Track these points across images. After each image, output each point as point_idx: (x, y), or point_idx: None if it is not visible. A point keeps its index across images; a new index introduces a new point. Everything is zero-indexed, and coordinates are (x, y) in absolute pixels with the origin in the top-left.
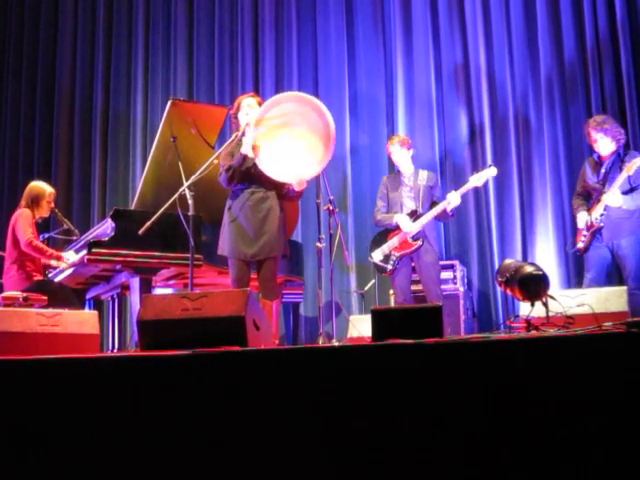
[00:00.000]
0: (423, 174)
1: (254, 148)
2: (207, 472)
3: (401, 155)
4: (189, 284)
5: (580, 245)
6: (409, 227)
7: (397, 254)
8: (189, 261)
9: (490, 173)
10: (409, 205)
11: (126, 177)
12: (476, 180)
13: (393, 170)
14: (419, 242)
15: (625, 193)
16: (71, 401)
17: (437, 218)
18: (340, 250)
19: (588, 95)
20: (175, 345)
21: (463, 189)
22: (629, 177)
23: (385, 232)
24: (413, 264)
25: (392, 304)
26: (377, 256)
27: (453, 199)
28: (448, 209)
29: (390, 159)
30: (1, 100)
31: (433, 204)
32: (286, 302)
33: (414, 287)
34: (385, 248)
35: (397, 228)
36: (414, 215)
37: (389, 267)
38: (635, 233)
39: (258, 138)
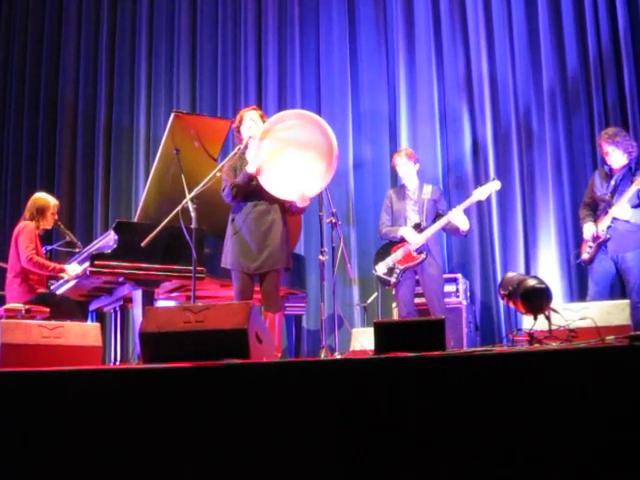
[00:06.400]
0: (427, 188)
1: (258, 171)
2: None
3: (407, 168)
4: (192, 297)
5: (585, 256)
6: (415, 238)
7: (401, 267)
8: (192, 274)
9: (493, 187)
10: (413, 218)
11: (129, 189)
12: (479, 194)
13: (397, 184)
14: (423, 255)
15: (635, 207)
16: (73, 413)
17: (449, 233)
18: (343, 263)
19: (591, 107)
20: (177, 358)
21: (466, 203)
22: (638, 191)
23: (389, 245)
24: (417, 277)
25: (395, 317)
26: (381, 269)
27: (454, 216)
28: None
29: (394, 173)
30: (4, 112)
31: (438, 216)
32: (288, 315)
33: (418, 300)
34: (389, 261)
35: (401, 241)
36: (418, 228)
37: (393, 280)
38: None
39: (263, 157)
